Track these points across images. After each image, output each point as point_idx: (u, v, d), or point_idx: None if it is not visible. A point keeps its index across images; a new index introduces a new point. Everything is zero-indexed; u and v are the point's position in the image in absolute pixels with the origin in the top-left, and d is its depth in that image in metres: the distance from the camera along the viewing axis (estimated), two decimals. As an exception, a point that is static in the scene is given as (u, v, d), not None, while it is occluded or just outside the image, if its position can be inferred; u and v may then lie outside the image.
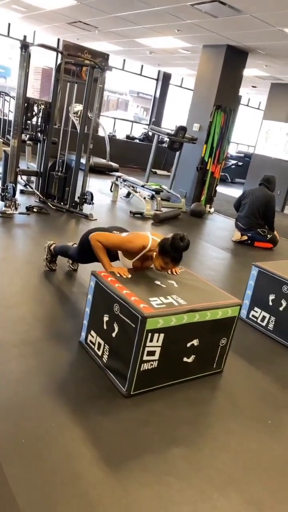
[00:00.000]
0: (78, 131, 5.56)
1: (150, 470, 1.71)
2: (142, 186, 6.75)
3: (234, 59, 7.23)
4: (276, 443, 2.03)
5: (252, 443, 2.01)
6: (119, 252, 2.65)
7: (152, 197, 6.95)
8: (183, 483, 1.69)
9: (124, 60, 11.59)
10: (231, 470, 1.81)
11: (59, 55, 7.03)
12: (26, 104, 4.92)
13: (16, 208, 4.85)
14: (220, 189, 10.05)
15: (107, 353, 2.30)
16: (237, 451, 1.93)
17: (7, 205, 4.81)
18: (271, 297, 3.10)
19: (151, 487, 1.64)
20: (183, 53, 8.52)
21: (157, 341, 2.13)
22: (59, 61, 5.51)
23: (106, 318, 2.31)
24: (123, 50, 9.78)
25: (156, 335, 2.11)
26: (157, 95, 12.83)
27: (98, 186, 7.61)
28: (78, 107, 7.03)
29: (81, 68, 5.41)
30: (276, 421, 2.20)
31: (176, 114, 13.46)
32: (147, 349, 2.11)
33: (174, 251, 2.37)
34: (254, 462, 1.88)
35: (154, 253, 2.47)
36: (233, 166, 13.45)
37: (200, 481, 1.71)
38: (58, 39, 10.26)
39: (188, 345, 2.29)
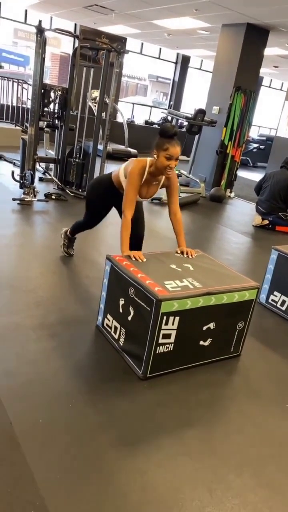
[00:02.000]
0: (95, 117, 5.53)
1: (165, 451, 1.72)
2: (161, 171, 6.68)
3: (254, 38, 7.01)
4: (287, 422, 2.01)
5: (268, 425, 1.99)
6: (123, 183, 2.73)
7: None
8: (198, 464, 1.69)
9: (142, 44, 11.42)
10: (246, 451, 1.80)
11: (76, 40, 6.97)
12: (42, 91, 4.92)
13: (34, 195, 4.89)
14: (241, 173, 9.86)
15: (124, 336, 2.31)
16: (252, 433, 1.92)
17: (26, 192, 4.86)
18: (291, 280, 3.04)
19: (166, 467, 1.65)
20: (202, 33, 8.31)
21: (173, 324, 2.13)
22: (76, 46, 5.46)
23: (122, 302, 2.32)
24: (141, 33, 9.62)
25: (171, 318, 2.11)
26: (176, 78, 12.61)
27: (116, 172, 7.57)
28: (96, 93, 6.98)
29: (97, 53, 5.34)
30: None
31: (196, 97, 13.23)
32: (162, 332, 2.10)
33: (164, 133, 2.49)
34: (269, 444, 1.87)
35: (155, 156, 2.52)
36: (254, 150, 13.16)
37: (215, 462, 1.72)
38: (75, 24, 10.17)
39: (204, 328, 2.27)
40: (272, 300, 3.19)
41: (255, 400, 2.16)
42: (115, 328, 2.38)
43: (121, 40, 10.50)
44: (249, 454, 1.80)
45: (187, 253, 2.66)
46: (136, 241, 2.89)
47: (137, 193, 2.62)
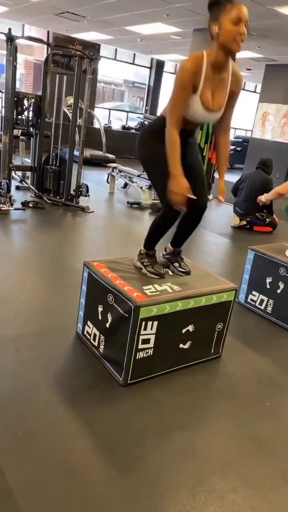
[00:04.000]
0: (71, 123, 5.51)
1: (147, 457, 1.72)
2: (138, 175, 6.71)
3: (225, 42, 7.11)
4: (274, 425, 2.03)
5: (250, 425, 2.00)
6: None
7: (150, 187, 6.90)
8: (181, 467, 1.69)
9: (116, 50, 11.47)
10: (229, 453, 1.81)
11: (48, 47, 6.96)
12: (16, 99, 4.88)
13: (11, 204, 4.84)
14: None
15: (103, 343, 2.30)
16: (235, 433, 1.93)
17: (2, 201, 4.80)
18: (268, 280, 3.08)
19: (149, 473, 1.64)
20: (174, 38, 8.40)
21: (151, 329, 2.13)
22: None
23: (100, 309, 2.30)
24: (114, 39, 9.66)
25: (150, 323, 2.10)
26: (151, 83, 12.71)
27: (95, 178, 7.57)
28: (71, 100, 6.97)
29: (70, 59, 5.34)
30: (274, 402, 2.19)
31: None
32: (141, 337, 2.10)
33: None
34: (251, 444, 1.88)
35: (215, 29, 1.92)
36: (231, 152, 13.32)
37: (197, 464, 1.72)
38: (48, 32, 10.15)
39: (184, 331, 2.28)
40: (251, 299, 3.22)
41: (237, 401, 2.17)
42: (95, 335, 2.36)
43: (95, 47, 10.53)
44: (232, 454, 1.80)
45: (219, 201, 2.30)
46: (195, 213, 2.28)
47: (187, 96, 1.96)
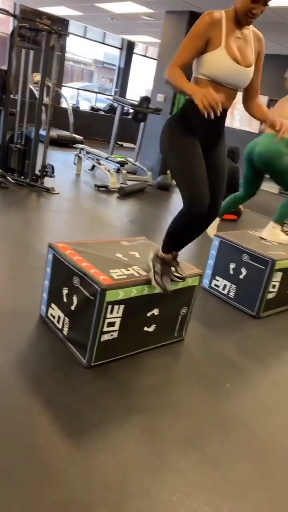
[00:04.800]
0: (37, 101, 5.33)
1: (110, 437, 1.74)
2: (106, 158, 6.62)
3: (197, 27, 7.06)
4: (233, 404, 2.10)
5: (211, 406, 2.06)
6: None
7: (118, 170, 6.84)
8: (144, 448, 1.72)
9: (86, 27, 11.13)
10: (190, 432, 1.86)
11: (15, 20, 6.65)
12: (-21, 72, 4.66)
13: (-27, 183, 4.66)
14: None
15: (68, 326, 2.28)
16: (196, 414, 1.99)
17: None
18: (232, 266, 3.15)
19: (112, 453, 1.66)
20: (146, 19, 8.25)
21: (118, 312, 2.13)
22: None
23: (65, 291, 2.28)
24: (84, 16, 9.37)
25: (116, 306, 2.11)
26: (122, 65, 12.45)
27: (62, 159, 7.40)
28: (38, 77, 6.73)
29: (37, 34, 5.14)
30: (234, 383, 2.27)
31: (142, 85, 13.17)
32: (107, 320, 2.10)
33: None
34: (211, 424, 1.94)
35: None
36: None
37: (160, 445, 1.75)
38: (14, 4, 9.70)
39: (149, 314, 2.30)
40: (215, 284, 3.29)
41: (198, 382, 2.22)
42: (59, 317, 2.34)
43: (63, 22, 10.17)
44: (192, 434, 1.86)
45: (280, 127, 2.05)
46: (204, 220, 2.09)
47: (196, 46, 1.84)
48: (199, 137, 2.00)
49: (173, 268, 2.26)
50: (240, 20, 1.89)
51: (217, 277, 3.27)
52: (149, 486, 1.55)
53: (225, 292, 3.22)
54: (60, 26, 5.03)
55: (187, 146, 1.96)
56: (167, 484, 1.57)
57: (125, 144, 10.67)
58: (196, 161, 1.96)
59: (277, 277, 3.02)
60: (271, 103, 9.68)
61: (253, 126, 9.99)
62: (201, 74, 1.97)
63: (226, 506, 1.54)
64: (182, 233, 2.12)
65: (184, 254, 4.05)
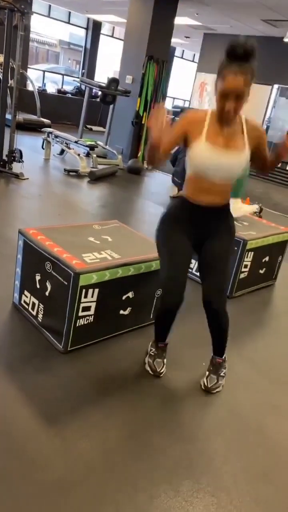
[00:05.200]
0: (1, 84, 5.14)
1: (87, 420, 1.75)
2: (76, 142, 6.50)
3: (164, 6, 6.95)
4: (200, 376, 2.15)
5: (187, 384, 2.10)
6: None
7: (88, 154, 6.73)
8: (122, 428, 1.74)
9: (50, 6, 10.77)
10: (167, 411, 1.90)
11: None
12: None
13: None
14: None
15: (42, 312, 2.26)
16: (171, 393, 2.02)
17: None
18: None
19: (89, 436, 1.67)
20: (112, -2, 8.06)
21: (92, 296, 2.12)
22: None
23: (38, 277, 2.25)
24: (47, -6, 9.06)
25: (90, 290, 2.10)
26: (88, 45, 12.17)
27: (30, 144, 7.21)
28: (1, 58, 6.48)
29: (-2, 12, 4.92)
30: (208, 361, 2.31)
31: (110, 66, 12.90)
32: (82, 305, 2.09)
33: (229, 51, 1.68)
34: (187, 401, 1.98)
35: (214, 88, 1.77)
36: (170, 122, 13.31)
37: (135, 426, 1.78)
38: (-27, -21, 9.23)
39: (124, 298, 2.30)
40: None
41: (173, 364, 2.25)
42: (33, 304, 2.31)
43: (26, 0, 9.78)
44: (169, 413, 1.89)
45: None
46: (211, 316, 1.99)
47: (171, 135, 1.75)
48: (189, 230, 1.95)
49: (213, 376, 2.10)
50: (222, 118, 1.79)
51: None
52: (130, 465, 1.58)
53: (198, 274, 3.24)
54: (23, 4, 4.82)
55: (172, 235, 1.95)
56: (147, 462, 1.60)
57: (95, 128, 10.50)
58: (176, 249, 1.94)
59: (249, 257, 3.07)
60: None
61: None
62: (189, 171, 1.92)
63: (205, 479, 1.58)
64: (157, 321, 2.13)
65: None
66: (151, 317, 2.54)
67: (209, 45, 9.95)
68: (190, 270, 3.29)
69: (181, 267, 1.94)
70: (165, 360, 2.14)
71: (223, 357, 2.14)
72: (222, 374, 2.11)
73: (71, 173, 6.00)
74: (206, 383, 2.07)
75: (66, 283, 2.05)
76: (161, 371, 2.11)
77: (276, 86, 8.85)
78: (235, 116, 1.78)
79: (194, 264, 3.28)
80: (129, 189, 6.09)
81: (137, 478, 1.53)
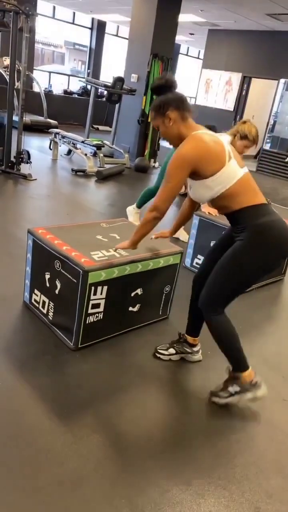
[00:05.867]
0: (8, 86, 5.19)
1: (99, 416, 1.77)
2: (82, 142, 6.53)
3: (168, 4, 6.94)
4: (216, 376, 2.15)
5: (195, 379, 2.11)
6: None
7: (95, 154, 6.76)
8: (133, 423, 1.76)
9: (54, 7, 10.80)
10: (177, 407, 1.91)
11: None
12: None
13: None
14: (165, 143, 9.95)
15: (52, 310, 2.28)
16: (181, 389, 2.03)
17: None
18: (212, 243, 3.17)
19: (101, 431, 1.69)
20: (116, -3, 8.06)
21: (101, 294, 2.14)
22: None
23: (48, 276, 2.27)
24: (51, -5, 9.10)
25: (99, 287, 2.12)
26: (93, 45, 12.18)
27: (37, 145, 7.27)
28: (8, 61, 6.54)
29: (3, 15, 4.96)
30: (220, 357, 2.31)
31: (115, 65, 12.91)
32: (91, 302, 2.11)
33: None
34: (198, 397, 1.99)
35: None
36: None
37: (147, 422, 1.79)
38: (-22, -17, 9.31)
39: (132, 294, 2.32)
40: (196, 263, 3.33)
41: (183, 358, 2.26)
42: (43, 302, 2.34)
43: (31, 2, 9.83)
44: (179, 408, 1.90)
45: None
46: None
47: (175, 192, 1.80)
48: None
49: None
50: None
51: (198, 256, 3.30)
52: (141, 460, 1.59)
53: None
54: (27, 6, 4.85)
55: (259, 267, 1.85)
56: (158, 458, 1.62)
57: (101, 127, 10.52)
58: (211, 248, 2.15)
59: (257, 252, 3.06)
60: (244, 79, 9.66)
61: (228, 104, 9.97)
62: None
63: (216, 473, 1.59)
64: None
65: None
66: (160, 313, 2.55)
67: (213, 42, 9.90)
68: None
69: (203, 265, 2.15)
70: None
71: (233, 370, 1.91)
72: (231, 390, 1.89)
73: (78, 173, 6.04)
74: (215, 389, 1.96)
75: (75, 281, 2.07)
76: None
77: (282, 80, 8.78)
78: (171, 142, 1.86)
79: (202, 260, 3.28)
80: (137, 187, 6.09)
81: (148, 473, 1.54)
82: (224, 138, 2.77)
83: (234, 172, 1.74)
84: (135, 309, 2.37)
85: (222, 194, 1.76)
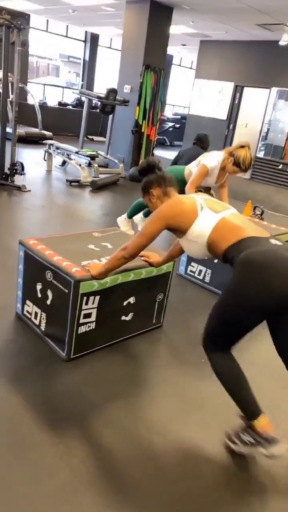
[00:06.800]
0: (1, 98, 5.23)
1: (91, 427, 1.76)
2: (76, 152, 6.57)
3: (159, 16, 7.04)
4: (214, 386, 2.14)
5: (189, 387, 2.11)
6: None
7: (89, 164, 6.80)
8: (124, 437, 1.75)
9: (48, 21, 10.94)
10: (170, 416, 1.90)
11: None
12: None
13: None
14: (159, 152, 10.01)
15: (45, 321, 2.28)
16: (175, 397, 2.02)
17: None
18: (206, 251, 3.20)
19: (92, 442, 1.68)
20: (107, 10, 8.16)
21: (93, 303, 2.14)
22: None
23: (39, 287, 2.27)
24: (44, 9, 9.21)
25: (91, 297, 2.11)
26: (86, 58, 12.31)
27: (32, 156, 7.31)
28: (0, 74, 6.60)
29: (-4, 29, 5.02)
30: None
31: (109, 77, 13.05)
32: (83, 312, 2.11)
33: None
34: (193, 405, 1.98)
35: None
36: (170, 129, 13.39)
37: (139, 430, 1.78)
38: (-29, -1, 9.43)
39: (125, 303, 2.32)
40: (190, 270, 3.33)
41: (177, 366, 2.26)
42: (36, 313, 2.34)
43: (24, 16, 9.96)
44: (172, 417, 1.89)
45: None
46: None
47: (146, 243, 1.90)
48: None
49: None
50: None
51: (192, 263, 3.31)
52: (134, 471, 1.58)
53: (201, 277, 3.26)
54: (19, 20, 4.91)
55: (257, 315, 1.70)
56: (151, 468, 1.61)
57: (96, 138, 10.59)
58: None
59: (250, 259, 3.08)
60: (236, 88, 9.77)
61: (221, 113, 10.06)
62: None
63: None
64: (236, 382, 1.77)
65: (160, 242, 4.08)
66: (154, 322, 2.55)
67: (205, 52, 10.02)
68: (194, 275, 3.31)
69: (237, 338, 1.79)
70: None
71: (242, 416, 1.70)
72: (243, 438, 1.68)
73: (73, 183, 6.06)
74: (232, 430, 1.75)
75: (66, 291, 2.07)
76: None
77: (274, 89, 8.88)
78: None
79: (196, 267, 3.29)
80: (131, 196, 6.11)
81: (141, 485, 1.53)
82: (215, 157, 2.91)
83: (209, 220, 1.75)
84: (128, 318, 2.37)
85: (208, 244, 1.76)
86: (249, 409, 1.66)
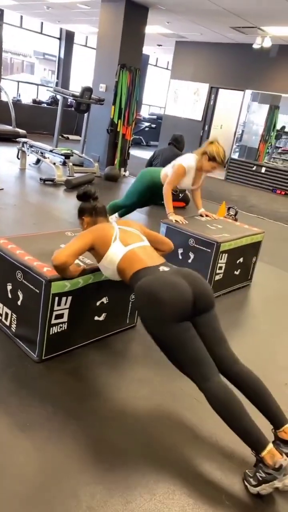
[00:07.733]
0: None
1: (62, 428, 1.73)
2: (51, 151, 6.48)
3: (134, 15, 7.04)
4: (184, 385, 2.15)
5: (162, 387, 2.10)
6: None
7: (64, 163, 6.72)
8: (95, 437, 1.73)
9: (22, 17, 10.76)
10: (140, 414, 1.89)
11: None
12: None
13: None
14: (135, 152, 10.01)
15: (15, 322, 2.23)
16: (149, 396, 2.02)
17: None
18: (180, 251, 3.21)
19: (65, 444, 1.66)
20: (83, 8, 8.10)
21: (65, 304, 2.11)
22: None
23: (9, 287, 2.23)
24: (18, 5, 9.05)
25: (63, 298, 2.09)
26: (61, 55, 12.18)
27: (5, 154, 7.17)
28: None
29: None
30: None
31: (84, 75, 12.95)
32: (55, 312, 2.07)
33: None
34: (162, 405, 1.98)
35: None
36: (146, 129, 13.41)
37: (109, 430, 1.77)
38: None
39: (98, 303, 2.30)
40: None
41: (152, 365, 2.26)
42: (6, 314, 2.29)
43: (-3, 12, 9.78)
44: (143, 416, 1.89)
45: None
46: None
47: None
48: None
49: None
50: None
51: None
52: (104, 470, 1.56)
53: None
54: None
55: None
56: (121, 467, 1.60)
57: (71, 137, 10.49)
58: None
59: (223, 259, 3.11)
60: (211, 90, 9.88)
61: (197, 113, 10.15)
62: None
63: (178, 481, 1.58)
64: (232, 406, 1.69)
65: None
66: (128, 322, 2.54)
67: (181, 53, 10.08)
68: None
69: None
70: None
71: (252, 451, 1.57)
72: (258, 476, 1.53)
73: (47, 182, 5.98)
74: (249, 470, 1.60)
75: (37, 291, 2.04)
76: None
77: (248, 91, 9.02)
78: None
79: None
80: (107, 196, 6.08)
81: (111, 482, 1.52)
82: (190, 158, 2.96)
83: (118, 251, 1.97)
84: (101, 318, 2.35)
85: (118, 271, 1.99)
86: (253, 441, 1.54)
